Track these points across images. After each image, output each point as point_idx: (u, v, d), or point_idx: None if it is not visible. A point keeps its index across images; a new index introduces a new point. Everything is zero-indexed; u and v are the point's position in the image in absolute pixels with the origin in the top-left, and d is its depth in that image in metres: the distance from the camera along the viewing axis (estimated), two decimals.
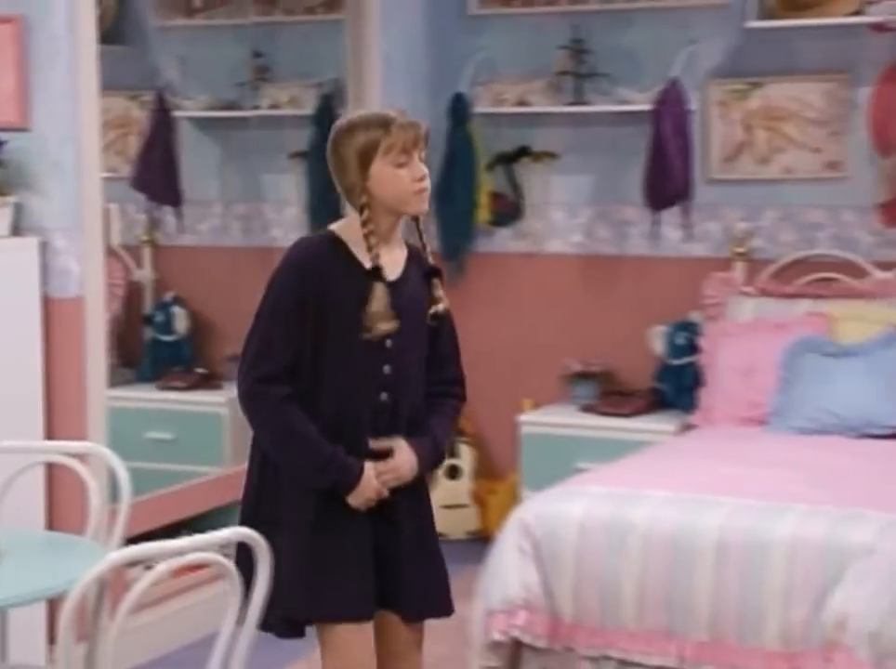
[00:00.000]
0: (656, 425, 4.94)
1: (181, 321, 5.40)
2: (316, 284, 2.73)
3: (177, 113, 5.35)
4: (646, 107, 5.02)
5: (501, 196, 5.44)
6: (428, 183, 2.77)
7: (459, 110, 5.33)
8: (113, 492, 3.13)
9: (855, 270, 4.92)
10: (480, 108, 5.33)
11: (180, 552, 2.22)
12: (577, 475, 4.15)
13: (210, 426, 5.16)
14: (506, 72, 5.41)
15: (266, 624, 2.64)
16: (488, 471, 5.42)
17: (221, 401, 5.16)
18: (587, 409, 5.10)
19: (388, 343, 2.76)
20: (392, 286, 2.75)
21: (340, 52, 5.26)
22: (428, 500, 2.96)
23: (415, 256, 2.85)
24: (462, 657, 3.73)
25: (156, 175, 5.29)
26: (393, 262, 2.79)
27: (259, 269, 5.38)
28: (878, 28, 4.81)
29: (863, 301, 4.78)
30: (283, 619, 2.78)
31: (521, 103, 5.31)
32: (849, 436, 4.41)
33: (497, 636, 3.54)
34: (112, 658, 2.42)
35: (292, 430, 2.73)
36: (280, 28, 5.58)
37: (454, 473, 5.37)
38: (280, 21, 5.56)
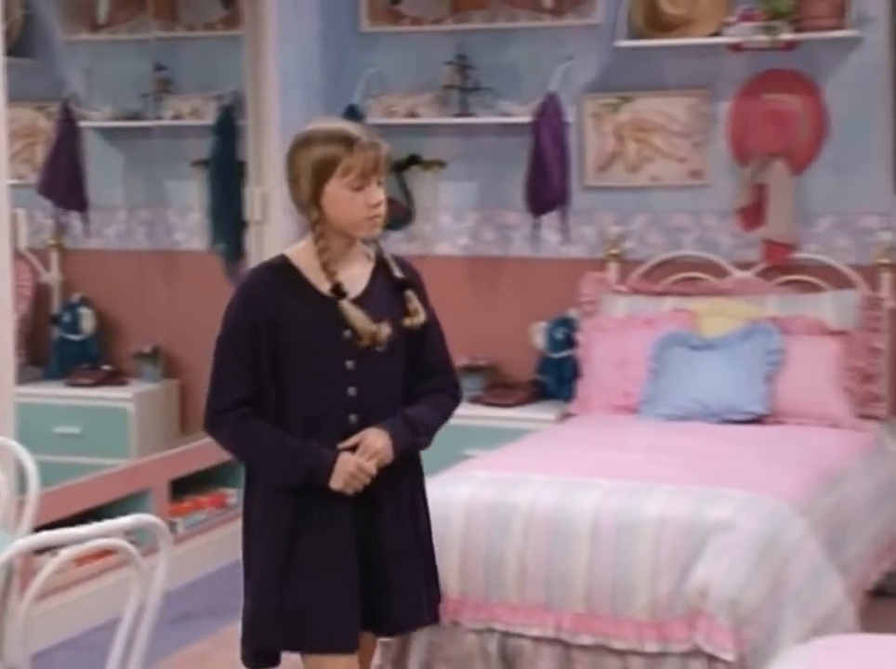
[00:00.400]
0: (538, 414, 5.00)
1: (88, 321, 5.35)
2: (267, 313, 2.56)
3: (82, 124, 5.30)
4: (526, 119, 5.07)
5: (393, 201, 5.37)
6: (382, 209, 2.58)
7: (352, 120, 5.32)
8: (22, 484, 3.10)
9: (717, 270, 5.01)
10: (372, 119, 5.33)
11: (86, 538, 2.22)
12: (465, 461, 4.20)
13: (116, 420, 5.11)
14: (396, 85, 5.42)
15: (245, 657, 2.67)
16: None
17: (127, 397, 5.12)
18: (474, 400, 5.13)
19: (350, 364, 2.59)
20: (354, 303, 2.57)
21: (239, 66, 5.23)
22: (416, 500, 2.80)
23: (382, 269, 2.65)
24: None
25: (63, 182, 5.25)
26: (353, 278, 2.60)
27: (163, 271, 5.38)
28: (735, 48, 4.90)
29: (724, 298, 4.85)
30: (262, 650, 2.70)
31: (411, 115, 5.34)
32: (711, 421, 4.49)
33: None
34: (21, 641, 2.40)
35: (256, 436, 2.61)
36: (181, 43, 5.54)
37: None
38: (181, 37, 5.52)
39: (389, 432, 2.62)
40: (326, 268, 2.55)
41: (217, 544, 4.91)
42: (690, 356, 4.66)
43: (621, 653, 3.49)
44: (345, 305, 2.55)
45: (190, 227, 5.50)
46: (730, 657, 3.29)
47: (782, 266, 4.91)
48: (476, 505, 3.66)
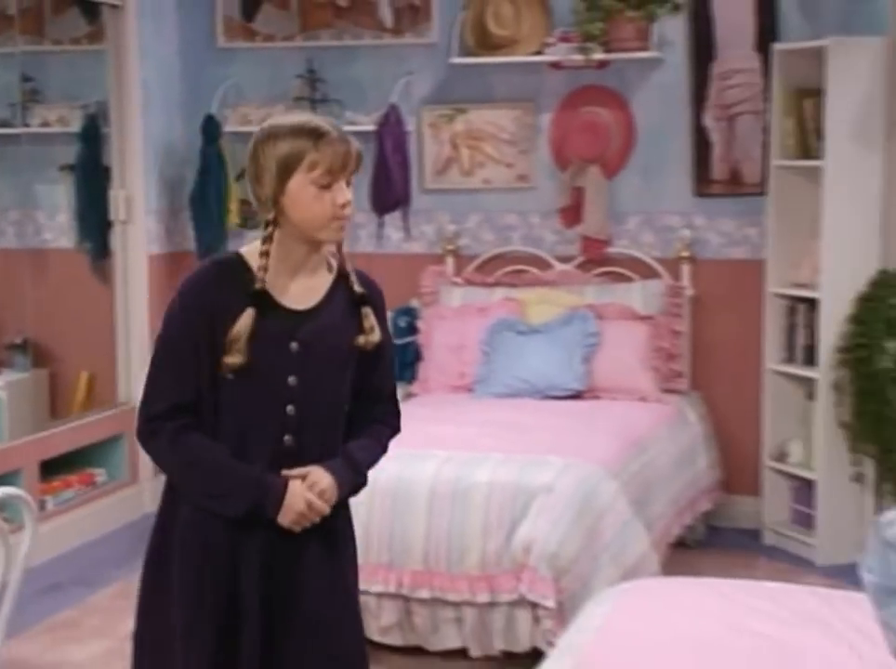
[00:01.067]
0: None
1: None
2: (207, 313, 2.13)
3: None
4: (371, 128, 5.07)
5: (249, 203, 5.40)
6: (349, 211, 2.15)
7: (210, 129, 5.28)
8: None
9: (541, 263, 5.10)
10: (229, 127, 5.29)
11: None
12: None
13: None
14: (251, 96, 5.38)
15: None
16: None
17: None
18: None
19: (292, 380, 2.16)
20: (302, 315, 2.16)
21: (103, 78, 5.14)
22: (344, 561, 2.30)
23: (343, 282, 2.22)
24: None
25: None
26: (308, 289, 2.18)
27: (33, 268, 5.24)
28: (555, 66, 4.99)
29: (548, 288, 4.93)
30: None
31: None
32: (536, 398, 4.56)
33: None
34: None
35: (195, 457, 2.15)
36: (48, 56, 5.41)
37: None
38: (48, 50, 5.39)
39: (335, 475, 2.19)
40: (261, 271, 2.13)
41: (86, 519, 4.83)
42: (517, 340, 4.73)
43: (455, 605, 3.56)
44: (247, 314, 2.12)
45: (58, 227, 5.38)
46: (550, 603, 3.38)
47: (597, 259, 5.02)
48: None
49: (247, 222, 5.40)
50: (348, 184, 2.15)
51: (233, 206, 5.33)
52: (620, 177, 5.01)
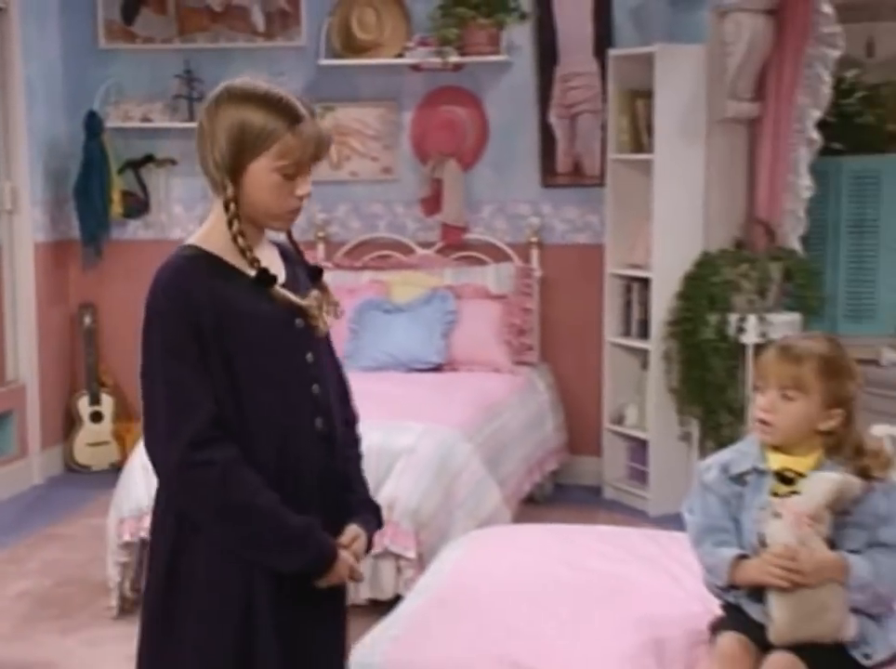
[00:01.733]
0: None
1: None
2: (206, 308, 1.73)
3: None
4: None
5: (131, 194, 5.28)
6: (305, 203, 1.83)
7: (93, 125, 5.12)
8: None
9: (405, 249, 5.10)
10: (111, 123, 5.15)
11: None
12: None
13: None
14: (131, 95, 5.24)
15: None
16: (125, 414, 5.27)
17: None
18: None
19: (309, 357, 1.81)
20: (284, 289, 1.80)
21: None
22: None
23: (287, 255, 1.89)
24: (101, 558, 3.64)
25: None
26: (271, 264, 1.82)
27: None
28: (415, 68, 4.98)
29: (411, 271, 4.93)
30: None
31: (145, 119, 5.17)
32: (400, 370, 4.55)
33: (128, 538, 3.48)
34: None
35: (249, 507, 1.70)
36: None
37: (97, 417, 5.20)
38: None
39: (370, 535, 1.89)
40: (246, 253, 1.75)
41: None
42: (383, 318, 4.71)
43: None
44: (278, 290, 1.77)
45: None
46: (412, 554, 3.39)
47: (455, 244, 5.04)
48: None
49: (129, 212, 5.27)
50: (309, 173, 1.79)
51: (116, 197, 5.20)
52: (475, 169, 5.03)
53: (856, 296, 5.01)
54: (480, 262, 4.99)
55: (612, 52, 4.67)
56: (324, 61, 5.02)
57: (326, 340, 1.89)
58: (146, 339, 1.76)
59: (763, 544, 2.04)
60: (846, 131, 4.87)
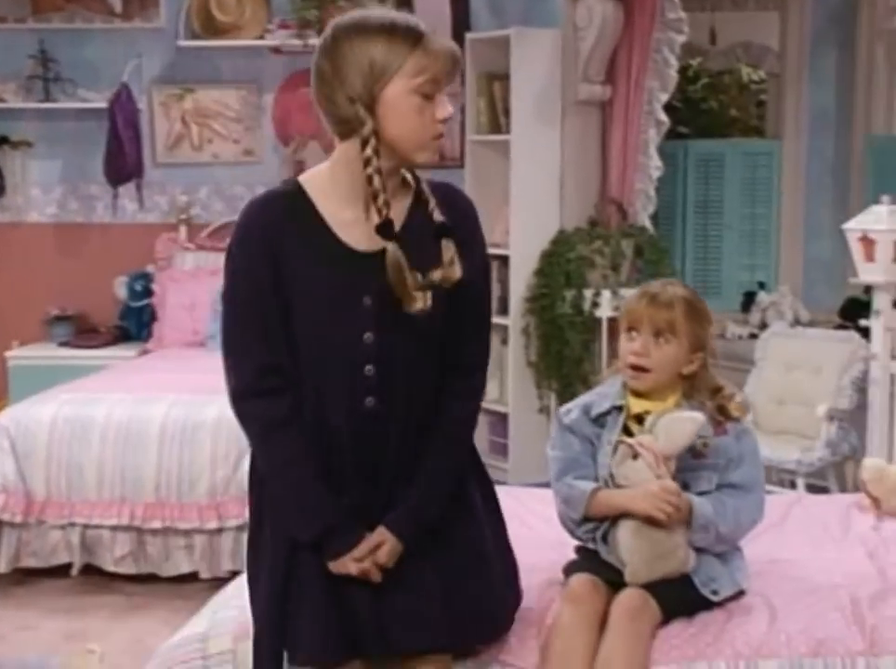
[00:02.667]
0: (120, 352, 4.87)
1: None
2: (272, 252, 1.67)
3: None
4: (103, 105, 4.91)
5: None
6: (445, 128, 1.69)
7: None
8: None
9: None
10: None
11: None
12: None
13: None
14: None
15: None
16: None
17: None
18: (64, 344, 4.95)
19: (368, 337, 1.72)
20: (375, 259, 1.69)
21: None
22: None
23: (422, 204, 1.73)
24: None
25: None
26: (398, 216, 1.71)
27: None
28: (276, 50, 4.98)
29: None
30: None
31: None
32: None
33: None
34: None
35: (284, 464, 1.73)
36: None
37: None
38: None
39: (404, 544, 1.78)
40: (377, 198, 1.64)
41: None
42: None
43: (186, 532, 3.50)
44: (392, 254, 1.65)
45: None
46: None
47: None
48: (59, 420, 3.55)
49: None
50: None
51: None
52: None
53: (703, 273, 5.21)
54: None
55: (469, 36, 4.74)
56: (184, 42, 4.97)
57: (459, 301, 1.73)
58: (224, 279, 1.75)
59: (614, 481, 2.09)
60: (692, 116, 5.06)
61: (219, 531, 3.48)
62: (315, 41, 4.71)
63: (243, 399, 1.74)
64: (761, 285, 4.92)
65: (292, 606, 1.77)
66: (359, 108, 1.64)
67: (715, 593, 2.09)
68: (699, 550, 2.09)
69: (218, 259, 4.80)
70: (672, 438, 2.04)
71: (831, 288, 4.93)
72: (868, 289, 4.80)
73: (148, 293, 4.97)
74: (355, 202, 1.70)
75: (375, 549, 1.76)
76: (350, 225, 1.70)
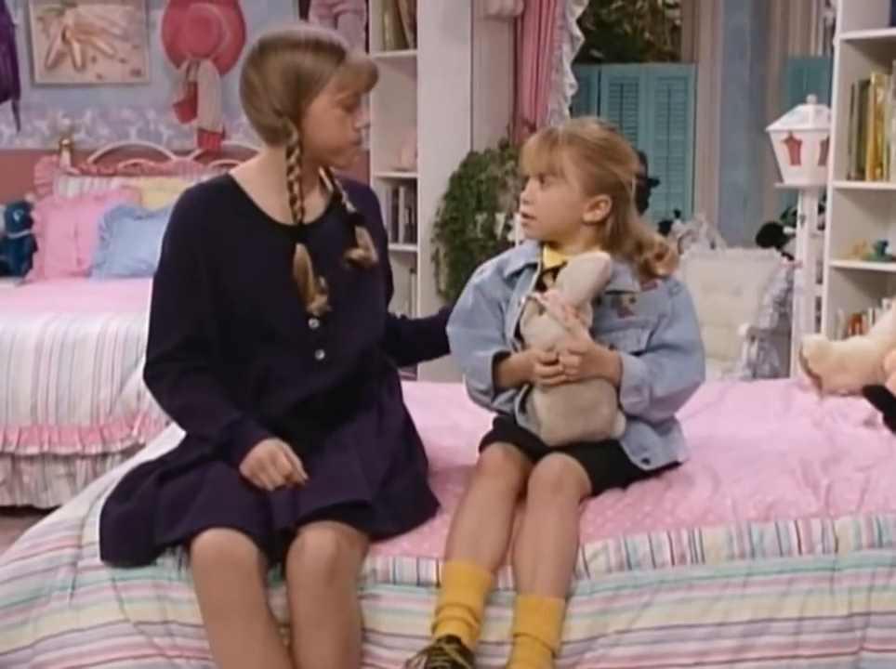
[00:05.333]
0: None
1: None
2: (199, 239, 1.79)
3: None
4: None
5: None
6: (363, 135, 1.87)
7: None
8: None
9: (159, 157, 4.76)
10: None
11: None
12: None
13: None
14: None
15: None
16: None
17: None
18: None
19: (314, 324, 1.83)
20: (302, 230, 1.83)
21: None
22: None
23: (338, 203, 1.90)
24: None
25: None
26: (308, 208, 1.85)
27: None
28: None
29: (165, 177, 4.63)
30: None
31: None
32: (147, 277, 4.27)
33: None
34: None
35: (192, 400, 1.80)
36: None
37: None
38: None
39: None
40: (295, 202, 1.80)
41: None
42: (134, 225, 4.38)
43: (66, 458, 3.22)
44: (300, 256, 1.81)
45: None
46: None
47: (213, 151, 4.75)
48: None
49: None
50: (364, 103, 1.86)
51: None
52: (233, 72, 4.69)
53: None
54: None
55: None
56: None
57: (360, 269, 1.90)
58: (159, 258, 1.86)
59: (524, 344, 1.90)
60: (605, 40, 4.91)
61: (104, 456, 3.21)
62: None
63: (154, 364, 1.84)
64: (677, 214, 4.79)
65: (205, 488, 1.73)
66: (286, 120, 1.77)
67: (646, 462, 1.89)
68: (632, 418, 1.90)
69: (106, 184, 4.60)
70: (576, 282, 1.85)
71: (748, 217, 4.83)
72: (785, 214, 4.71)
73: (27, 223, 4.60)
74: (282, 192, 1.83)
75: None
76: (281, 209, 1.83)
